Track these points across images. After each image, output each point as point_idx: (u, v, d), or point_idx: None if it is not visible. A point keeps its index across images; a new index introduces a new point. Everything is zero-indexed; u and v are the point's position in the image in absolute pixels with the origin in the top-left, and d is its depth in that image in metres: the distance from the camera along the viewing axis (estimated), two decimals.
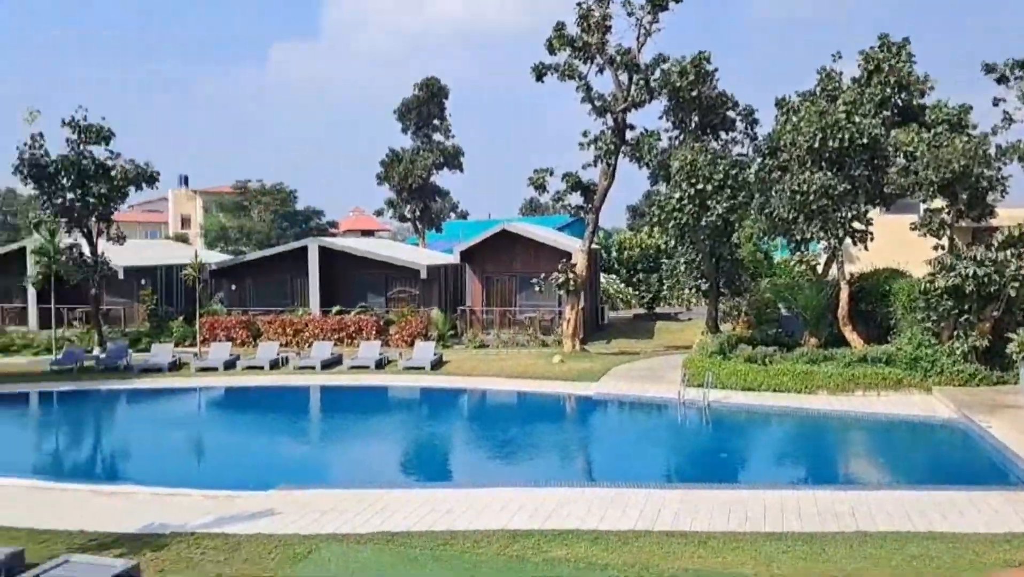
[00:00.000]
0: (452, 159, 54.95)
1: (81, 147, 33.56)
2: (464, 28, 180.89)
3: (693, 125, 31.02)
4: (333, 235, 72.49)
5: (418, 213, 55.44)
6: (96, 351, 32.88)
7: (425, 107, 54.13)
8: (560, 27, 31.10)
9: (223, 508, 13.81)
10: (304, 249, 37.33)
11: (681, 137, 31.26)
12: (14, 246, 41.92)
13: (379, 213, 62.23)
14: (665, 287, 43.96)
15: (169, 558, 11.56)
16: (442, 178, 56.08)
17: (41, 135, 32.92)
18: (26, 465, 19.29)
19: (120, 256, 36.41)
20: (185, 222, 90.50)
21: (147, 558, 11.43)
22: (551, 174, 32.30)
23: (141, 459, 20.81)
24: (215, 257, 45.84)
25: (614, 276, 47.06)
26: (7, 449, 22.33)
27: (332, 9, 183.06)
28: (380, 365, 29.19)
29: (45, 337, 35.15)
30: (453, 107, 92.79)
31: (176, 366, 29.92)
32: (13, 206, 77.64)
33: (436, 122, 54.95)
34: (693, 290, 31.73)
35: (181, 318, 37.70)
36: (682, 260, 29.92)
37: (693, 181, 26.98)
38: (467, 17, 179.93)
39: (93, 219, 34.12)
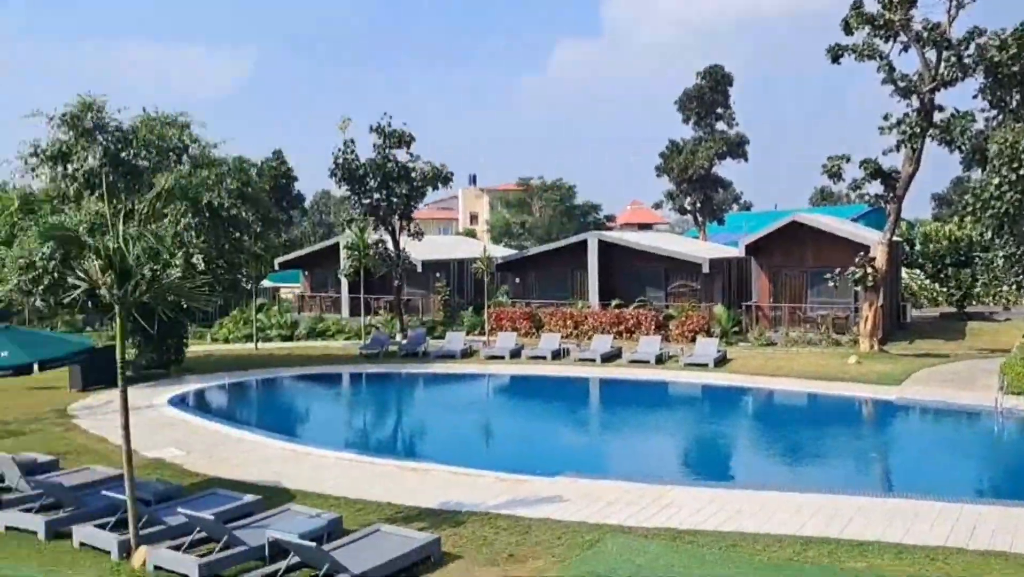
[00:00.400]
0: (735, 148, 53.38)
1: (386, 151, 36.47)
2: (748, 12, 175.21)
3: (1015, 104, 27.70)
4: (611, 229, 73.21)
5: (699, 205, 54.49)
6: (398, 337, 35.65)
7: (708, 96, 53.03)
8: (858, 5, 29.05)
9: (513, 491, 14.35)
10: (584, 243, 37.96)
11: (1000, 117, 28.03)
12: (329, 242, 46.53)
13: (657, 206, 61.95)
14: (979, 284, 39.78)
15: (466, 535, 12.19)
16: (724, 168, 54.72)
17: (352, 141, 36.25)
18: (340, 439, 21.28)
19: (418, 251, 39.23)
20: (473, 219, 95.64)
21: (446, 533, 12.12)
22: (847, 161, 30.26)
23: (438, 439, 22.27)
24: (500, 251, 48.01)
25: (918, 271, 43.29)
26: (325, 424, 24.90)
27: (612, 7, 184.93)
28: (660, 360, 29.01)
29: (355, 324, 38.72)
30: (737, 95, 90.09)
31: (467, 353, 31.69)
32: (327, 206, 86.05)
33: (719, 111, 53.65)
34: (1013, 287, 28.36)
35: (471, 308, 39.90)
36: (1000, 254, 26.78)
37: (1015, 166, 24.05)
38: (751, 1, 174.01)
39: (396, 217, 37.02)
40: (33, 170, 27.15)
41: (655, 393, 26.26)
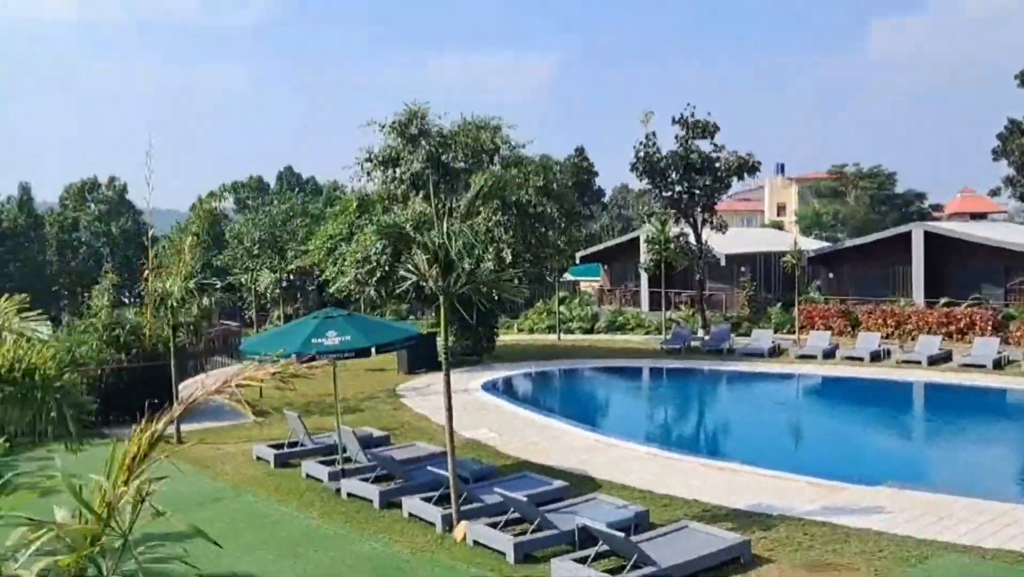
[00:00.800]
0: None
1: (688, 142, 35.99)
2: None
3: None
4: (936, 219, 66.89)
5: None
6: (700, 333, 35.09)
7: None
8: None
9: (828, 497, 13.52)
10: (907, 235, 35.02)
11: None
12: (629, 236, 46.91)
13: (994, 193, 55.55)
14: None
15: (778, 539, 11.67)
16: None
17: (654, 134, 36.18)
18: (642, 432, 21.33)
19: (721, 244, 38.32)
20: (780, 209, 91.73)
21: (756, 536, 11.68)
22: None
23: (743, 438, 21.61)
24: (810, 244, 45.63)
25: None
26: (628, 416, 25.16)
27: None
28: (998, 365, 25.94)
29: (654, 318, 38.71)
30: None
31: (775, 352, 30.41)
32: (625, 200, 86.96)
33: None
34: None
35: (778, 305, 38.30)
36: None
37: None
38: None
39: (698, 209, 36.43)
40: (368, 174, 30.15)
41: (992, 400, 23.56)
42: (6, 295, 8.02)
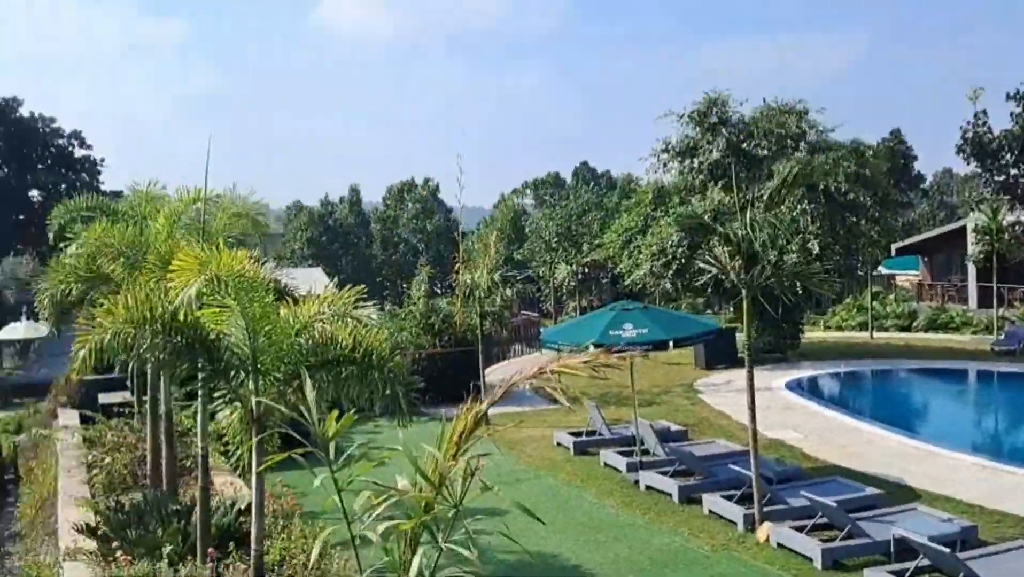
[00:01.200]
0: None
1: None
2: None
3: None
4: None
5: None
6: None
7: None
8: None
9: None
10: None
11: None
12: (953, 225, 42.76)
13: None
14: None
15: None
16: None
17: (984, 112, 32.70)
18: (967, 441, 19.32)
19: None
20: None
21: None
22: None
23: None
24: None
25: None
26: (950, 423, 22.95)
27: None
28: None
29: (983, 316, 34.92)
30: None
31: None
32: (948, 186, 79.26)
33: None
34: None
35: None
36: None
37: None
38: None
39: None
40: (664, 165, 30.03)
41: None
42: (348, 286, 8.99)
